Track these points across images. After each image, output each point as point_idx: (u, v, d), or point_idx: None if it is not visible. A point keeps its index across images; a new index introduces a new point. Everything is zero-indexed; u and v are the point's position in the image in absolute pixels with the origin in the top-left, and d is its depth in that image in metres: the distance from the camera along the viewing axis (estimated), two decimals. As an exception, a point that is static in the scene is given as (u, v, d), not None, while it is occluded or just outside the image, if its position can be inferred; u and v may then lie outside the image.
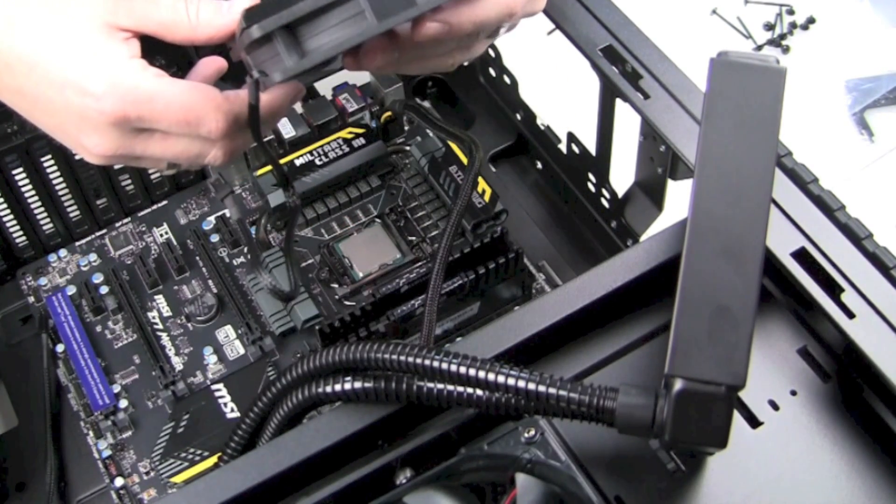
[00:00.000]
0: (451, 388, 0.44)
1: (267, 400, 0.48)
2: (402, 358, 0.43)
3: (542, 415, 0.43)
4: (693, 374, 0.38)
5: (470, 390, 0.43)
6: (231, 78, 0.55)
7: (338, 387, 0.45)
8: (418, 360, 0.43)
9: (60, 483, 0.63)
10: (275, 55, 0.44)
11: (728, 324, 0.38)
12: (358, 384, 0.44)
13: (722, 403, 0.38)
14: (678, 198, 0.60)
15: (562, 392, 0.41)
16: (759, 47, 0.98)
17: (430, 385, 0.44)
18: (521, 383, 0.41)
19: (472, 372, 0.42)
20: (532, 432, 0.44)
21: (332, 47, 0.44)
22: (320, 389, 0.45)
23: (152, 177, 0.74)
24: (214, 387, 0.64)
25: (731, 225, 0.39)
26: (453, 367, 0.42)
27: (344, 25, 0.44)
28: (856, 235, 0.48)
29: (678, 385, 0.38)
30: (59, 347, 0.67)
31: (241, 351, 0.67)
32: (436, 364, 0.43)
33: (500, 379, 0.42)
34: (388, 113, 0.73)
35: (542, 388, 0.41)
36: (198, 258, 0.71)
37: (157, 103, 0.46)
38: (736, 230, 0.39)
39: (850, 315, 0.46)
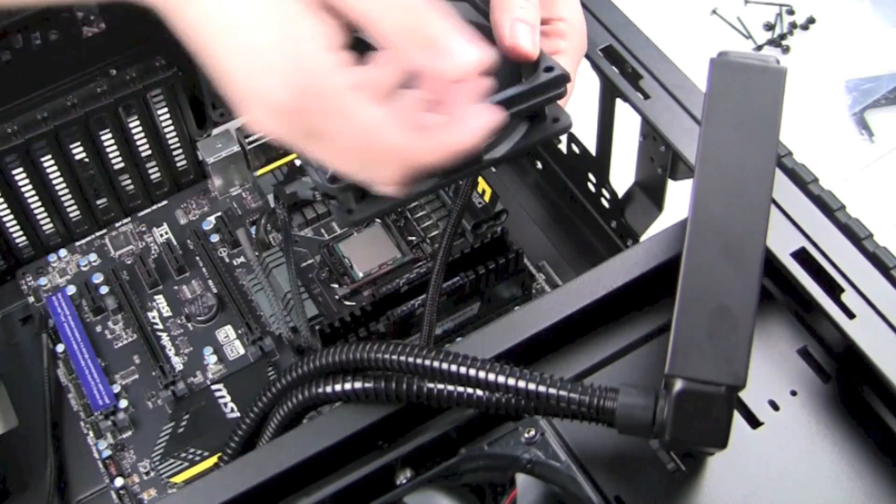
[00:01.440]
0: (450, 388, 0.44)
1: (266, 400, 0.48)
2: (402, 358, 0.43)
3: (541, 415, 0.43)
4: (693, 375, 0.38)
5: (470, 390, 0.43)
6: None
7: (338, 387, 0.45)
8: (417, 360, 0.43)
9: (60, 483, 0.63)
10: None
11: (728, 324, 0.38)
12: (358, 384, 0.44)
13: (722, 403, 0.38)
14: (678, 198, 0.60)
15: (562, 392, 0.41)
16: (759, 47, 0.98)
17: (430, 385, 0.44)
18: (521, 383, 0.41)
19: (471, 372, 0.42)
20: (532, 433, 0.44)
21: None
22: (320, 389, 0.45)
23: (152, 177, 0.74)
24: (214, 387, 0.65)
25: (731, 225, 0.39)
26: (453, 368, 0.42)
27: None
28: (856, 235, 0.48)
29: (678, 385, 0.38)
30: (59, 347, 0.67)
31: (241, 351, 0.67)
32: (435, 364, 0.43)
33: (500, 379, 0.42)
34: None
35: (541, 389, 0.41)
36: (198, 258, 0.71)
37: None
38: (736, 230, 0.39)
39: (850, 315, 0.46)
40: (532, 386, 0.41)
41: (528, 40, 0.46)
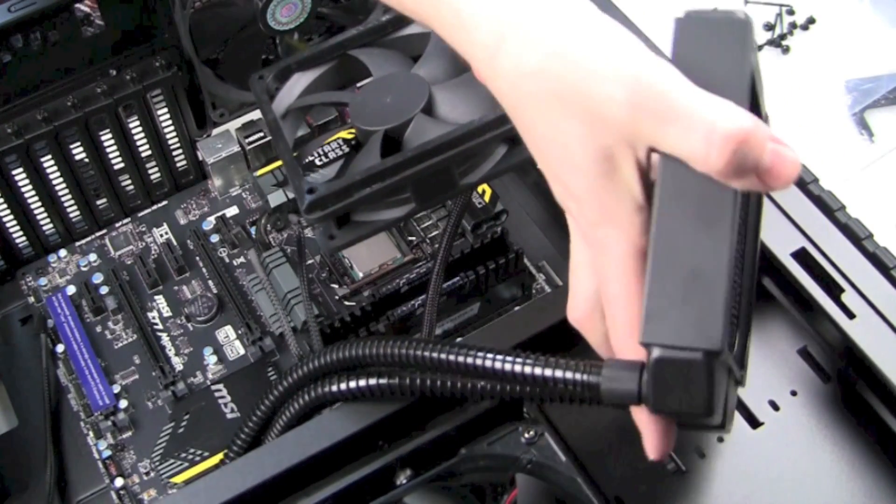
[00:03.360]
0: (440, 379, 0.43)
1: (272, 400, 0.48)
2: (383, 350, 0.44)
3: (528, 398, 0.43)
4: (667, 341, 0.36)
5: (454, 380, 0.43)
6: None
7: (343, 386, 0.45)
8: (399, 350, 0.43)
9: (60, 483, 0.63)
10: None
11: (701, 287, 0.36)
12: (363, 382, 0.44)
13: (700, 369, 0.36)
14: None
15: (547, 371, 0.40)
16: (760, 47, 0.98)
17: (424, 378, 0.43)
18: (506, 366, 0.41)
19: (452, 357, 0.42)
20: (532, 433, 0.44)
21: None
22: (326, 389, 0.45)
23: (152, 177, 0.74)
24: (214, 387, 0.65)
25: (701, 185, 0.37)
26: (434, 354, 0.42)
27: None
28: (856, 235, 0.48)
29: (654, 353, 0.36)
30: (59, 348, 0.67)
31: (241, 351, 0.67)
32: (418, 353, 0.43)
33: (479, 362, 0.41)
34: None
35: (527, 370, 0.40)
36: (198, 258, 0.71)
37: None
38: (707, 191, 0.37)
39: (850, 315, 0.46)
40: (517, 367, 0.41)
41: None
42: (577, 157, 0.37)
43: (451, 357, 0.42)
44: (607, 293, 0.39)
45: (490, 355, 0.41)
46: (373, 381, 0.45)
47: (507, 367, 0.41)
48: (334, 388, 0.46)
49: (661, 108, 0.35)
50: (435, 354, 0.42)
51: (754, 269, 0.43)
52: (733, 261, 0.37)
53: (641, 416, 0.38)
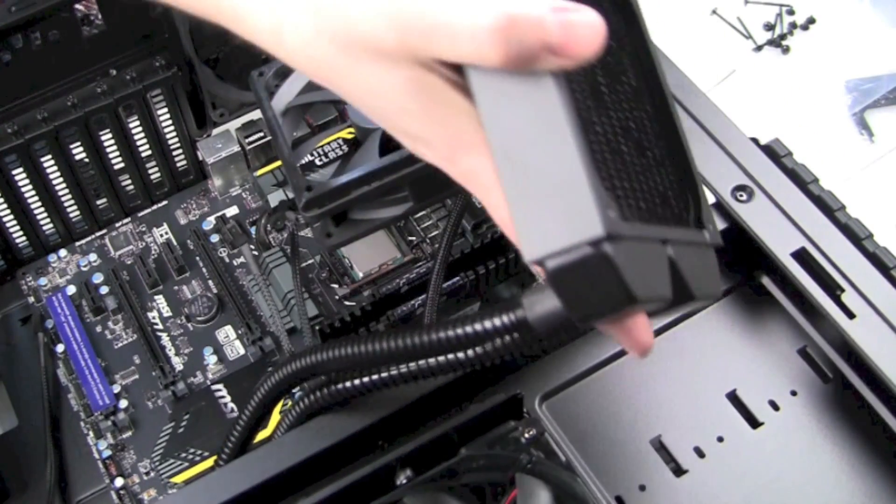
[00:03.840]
0: (391, 371, 0.43)
1: (252, 410, 0.48)
2: (327, 355, 0.43)
3: (478, 364, 0.40)
4: (551, 250, 0.32)
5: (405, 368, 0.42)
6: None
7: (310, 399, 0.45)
8: (338, 353, 0.43)
9: (61, 483, 0.63)
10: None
11: (558, 182, 0.32)
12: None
13: (597, 261, 0.32)
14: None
15: (476, 327, 0.38)
16: (759, 47, 0.98)
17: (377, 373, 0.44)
18: (433, 336, 0.39)
19: (384, 346, 0.41)
20: (532, 432, 0.44)
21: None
22: (316, 395, 0.45)
23: (152, 177, 0.74)
24: (214, 387, 0.65)
25: (511, 83, 0.32)
26: (361, 348, 0.41)
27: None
28: (856, 235, 0.48)
29: (547, 267, 0.32)
30: (59, 347, 0.67)
31: (241, 351, 0.67)
32: (368, 348, 0.42)
33: (413, 340, 0.40)
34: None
35: (451, 333, 0.38)
36: (198, 258, 0.71)
37: None
38: (519, 85, 0.32)
39: (850, 315, 0.46)
40: (438, 336, 0.39)
41: None
42: (394, 99, 0.36)
43: (384, 346, 0.40)
44: (500, 222, 0.36)
45: (416, 333, 0.39)
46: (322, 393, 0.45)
47: (434, 337, 0.39)
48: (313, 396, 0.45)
49: (422, 24, 0.34)
50: (361, 348, 0.41)
51: (675, 123, 0.40)
52: (583, 142, 0.32)
53: (598, 325, 0.36)
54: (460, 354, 0.40)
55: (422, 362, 0.41)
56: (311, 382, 0.47)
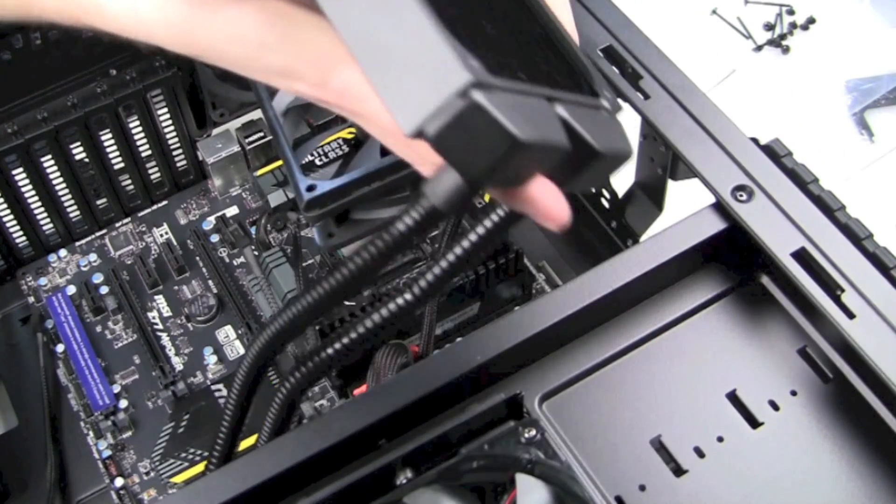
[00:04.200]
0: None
1: (236, 394, 0.47)
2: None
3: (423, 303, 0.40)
4: (424, 114, 0.32)
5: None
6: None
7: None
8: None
9: (61, 483, 0.63)
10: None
11: (411, 45, 0.32)
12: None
13: (471, 110, 0.31)
14: (678, 198, 0.60)
15: (393, 232, 0.37)
16: (759, 47, 0.98)
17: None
18: (363, 256, 0.38)
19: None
20: (532, 432, 0.44)
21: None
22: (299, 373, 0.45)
23: (152, 177, 0.74)
24: (214, 387, 0.65)
25: None
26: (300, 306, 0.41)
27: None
28: (856, 235, 0.48)
29: (426, 134, 0.32)
30: (59, 347, 0.67)
31: (241, 351, 0.67)
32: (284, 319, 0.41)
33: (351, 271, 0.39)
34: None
35: (380, 244, 0.37)
36: (198, 258, 0.71)
37: None
38: None
39: (850, 315, 0.46)
40: (363, 255, 0.38)
41: None
42: (252, 37, 0.36)
43: (329, 283, 0.39)
44: (381, 133, 0.37)
45: (347, 260, 0.39)
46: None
47: (363, 255, 0.38)
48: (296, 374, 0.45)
49: None
50: (309, 294, 0.40)
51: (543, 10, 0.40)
52: (431, 9, 0.32)
53: (506, 198, 0.36)
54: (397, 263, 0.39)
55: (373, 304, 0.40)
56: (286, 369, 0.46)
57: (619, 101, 0.55)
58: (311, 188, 0.47)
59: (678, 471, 0.46)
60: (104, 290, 0.70)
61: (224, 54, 0.37)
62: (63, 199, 0.71)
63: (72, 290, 0.70)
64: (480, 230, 0.37)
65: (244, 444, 0.62)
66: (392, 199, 0.50)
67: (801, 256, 0.48)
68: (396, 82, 0.33)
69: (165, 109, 0.71)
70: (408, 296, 0.39)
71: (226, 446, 0.49)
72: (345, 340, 0.42)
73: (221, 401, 0.64)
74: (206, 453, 0.61)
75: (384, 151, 0.49)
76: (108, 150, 0.70)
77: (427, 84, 0.32)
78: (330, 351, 0.43)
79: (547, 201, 0.35)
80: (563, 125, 0.34)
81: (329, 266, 0.68)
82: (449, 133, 0.32)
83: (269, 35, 0.36)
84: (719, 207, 0.51)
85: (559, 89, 0.35)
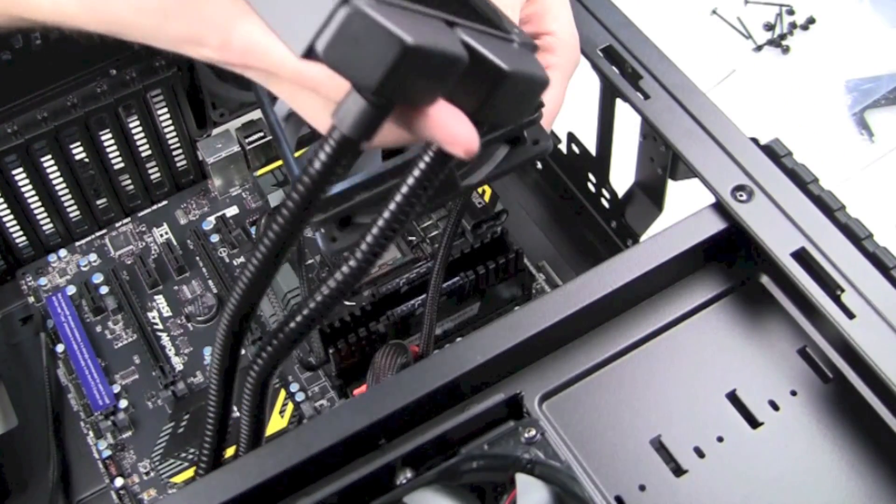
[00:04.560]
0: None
1: (216, 379, 0.47)
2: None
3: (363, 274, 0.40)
4: (312, 31, 0.33)
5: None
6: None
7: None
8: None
9: (65, 480, 0.63)
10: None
11: None
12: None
13: (356, 18, 0.32)
14: (678, 198, 0.60)
15: (304, 178, 0.37)
16: (759, 47, 0.98)
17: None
18: (287, 206, 0.38)
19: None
20: (532, 432, 0.44)
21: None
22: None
23: (152, 177, 0.74)
24: (214, 387, 0.64)
25: None
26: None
27: None
28: (856, 235, 0.48)
29: (317, 51, 0.33)
30: (59, 347, 0.67)
31: (241, 351, 0.67)
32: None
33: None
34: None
35: (295, 191, 0.37)
36: (198, 258, 0.71)
37: None
38: None
39: (850, 315, 0.46)
40: (288, 204, 0.38)
41: None
42: (155, 7, 0.38)
43: (264, 242, 0.40)
44: (283, 69, 0.38)
45: (276, 210, 0.39)
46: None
47: (288, 204, 0.38)
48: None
49: None
50: (252, 256, 0.41)
51: None
52: None
53: (411, 125, 0.36)
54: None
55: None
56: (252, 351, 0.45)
57: (623, 102, 0.56)
58: None
59: (678, 471, 0.46)
60: (104, 290, 0.70)
61: (133, 26, 0.39)
62: (63, 199, 0.71)
63: (72, 290, 0.70)
64: (416, 172, 0.37)
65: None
66: None
67: (801, 256, 0.48)
68: (287, 13, 0.34)
69: (165, 109, 0.71)
70: (358, 255, 0.39)
71: (214, 440, 0.49)
72: (305, 312, 0.42)
73: (221, 401, 0.64)
74: (206, 453, 0.61)
75: (386, 155, 0.49)
76: (108, 150, 0.70)
77: (313, 5, 0.33)
78: (293, 325, 0.42)
79: (451, 124, 0.36)
80: (463, 46, 0.35)
81: (330, 267, 0.68)
82: (338, 45, 0.33)
83: (170, 3, 0.37)
84: (719, 207, 0.51)
85: (462, 19, 0.36)
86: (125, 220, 0.74)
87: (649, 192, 0.62)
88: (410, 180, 0.37)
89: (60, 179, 0.69)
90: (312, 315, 0.41)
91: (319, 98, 0.39)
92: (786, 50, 0.97)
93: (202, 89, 0.72)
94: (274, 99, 0.53)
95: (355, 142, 0.36)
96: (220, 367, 0.47)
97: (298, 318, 0.42)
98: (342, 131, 0.36)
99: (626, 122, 0.60)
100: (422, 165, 0.37)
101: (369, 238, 0.38)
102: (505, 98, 0.37)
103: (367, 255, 0.39)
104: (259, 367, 0.45)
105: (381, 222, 0.38)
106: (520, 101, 0.39)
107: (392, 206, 0.38)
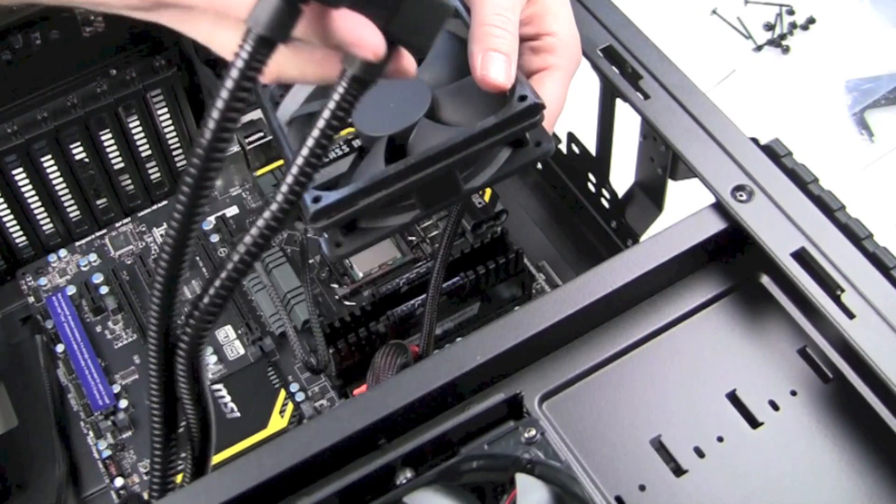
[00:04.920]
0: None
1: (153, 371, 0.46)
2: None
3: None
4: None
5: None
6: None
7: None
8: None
9: (72, 476, 0.63)
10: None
11: None
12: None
13: None
14: (678, 198, 0.60)
15: (227, 81, 0.37)
16: (759, 47, 0.98)
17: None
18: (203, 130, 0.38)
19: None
20: (532, 432, 0.44)
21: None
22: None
23: (152, 177, 0.74)
24: (214, 387, 0.64)
25: None
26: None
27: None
28: (856, 235, 0.48)
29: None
30: (59, 347, 0.67)
31: (241, 351, 0.67)
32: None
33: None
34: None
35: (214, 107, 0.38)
36: (198, 258, 0.72)
37: None
38: None
39: (850, 315, 0.46)
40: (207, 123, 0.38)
41: (500, 72, 0.45)
42: None
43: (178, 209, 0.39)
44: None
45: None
46: None
47: (213, 119, 0.38)
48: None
49: None
50: (168, 236, 0.40)
51: None
52: None
53: (317, 32, 0.37)
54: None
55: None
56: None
57: (623, 102, 0.56)
58: (316, 199, 0.47)
59: (678, 471, 0.46)
60: (104, 290, 0.70)
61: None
62: (63, 199, 0.71)
63: (72, 290, 0.70)
64: (330, 104, 0.39)
65: (240, 446, 0.62)
66: (398, 206, 0.50)
67: (801, 256, 0.48)
68: None
69: (165, 109, 0.71)
70: (273, 206, 0.40)
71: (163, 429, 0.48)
72: (223, 275, 0.41)
73: (221, 401, 0.64)
74: (206, 453, 0.61)
75: (389, 158, 0.49)
76: (108, 150, 0.70)
77: None
78: (211, 291, 0.42)
79: (357, 28, 0.37)
80: None
81: (330, 267, 0.68)
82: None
83: None
84: (719, 207, 0.51)
85: None
86: (125, 220, 0.74)
87: (649, 192, 0.62)
88: (332, 103, 0.39)
89: (60, 179, 0.69)
90: (238, 267, 0.41)
91: (236, 30, 0.39)
92: (786, 50, 0.97)
93: (202, 89, 0.72)
94: (276, 104, 0.53)
95: (271, 40, 0.37)
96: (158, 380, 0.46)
97: (223, 275, 0.41)
98: (257, 31, 0.37)
99: (626, 122, 0.60)
100: (340, 88, 0.38)
101: (289, 178, 0.39)
102: (413, 11, 0.39)
103: (284, 201, 0.40)
104: (188, 337, 0.43)
105: (304, 151, 0.39)
106: (426, 20, 0.40)
107: (315, 132, 0.39)
